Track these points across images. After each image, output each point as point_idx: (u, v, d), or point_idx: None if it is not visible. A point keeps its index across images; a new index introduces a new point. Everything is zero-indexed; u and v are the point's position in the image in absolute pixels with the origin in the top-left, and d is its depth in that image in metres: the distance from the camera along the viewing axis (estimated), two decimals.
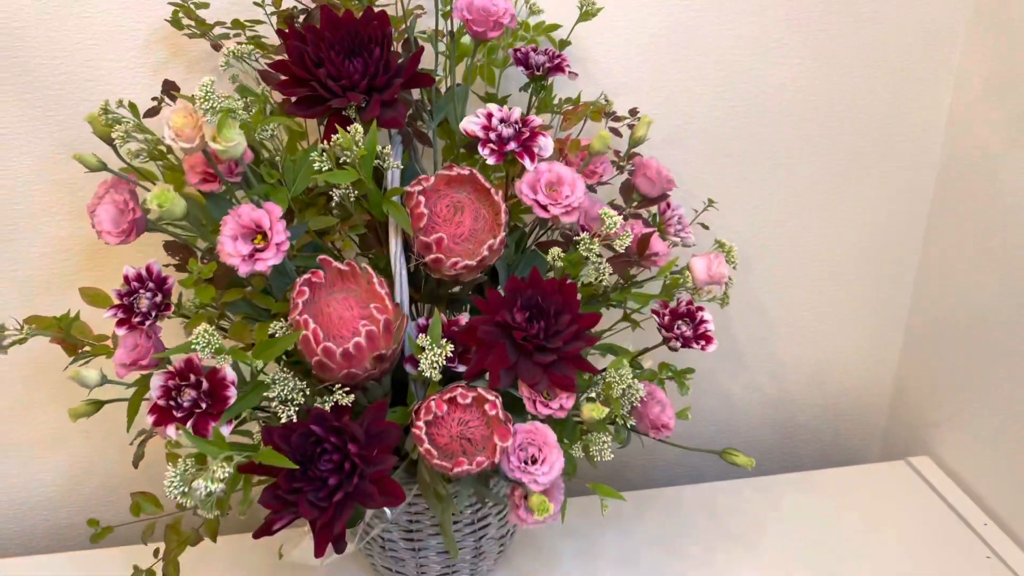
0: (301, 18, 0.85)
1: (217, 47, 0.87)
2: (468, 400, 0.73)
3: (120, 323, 0.75)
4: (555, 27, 0.95)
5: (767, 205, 1.20)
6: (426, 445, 0.71)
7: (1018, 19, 1.06)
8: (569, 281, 0.80)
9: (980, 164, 1.14)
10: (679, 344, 0.85)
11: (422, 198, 0.76)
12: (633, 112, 0.96)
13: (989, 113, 1.12)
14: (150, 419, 0.74)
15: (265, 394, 0.72)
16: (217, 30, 0.88)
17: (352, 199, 0.77)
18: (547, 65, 0.85)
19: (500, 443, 0.72)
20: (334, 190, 0.76)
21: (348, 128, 0.73)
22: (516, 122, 0.79)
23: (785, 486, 1.23)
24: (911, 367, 1.32)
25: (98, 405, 0.89)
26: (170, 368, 0.74)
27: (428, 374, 0.73)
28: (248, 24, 0.88)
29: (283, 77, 0.78)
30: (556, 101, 0.92)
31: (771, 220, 1.21)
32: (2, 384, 1.10)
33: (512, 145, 0.78)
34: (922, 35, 1.14)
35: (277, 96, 0.83)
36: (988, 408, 1.17)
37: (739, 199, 1.18)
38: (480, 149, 0.79)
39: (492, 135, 0.79)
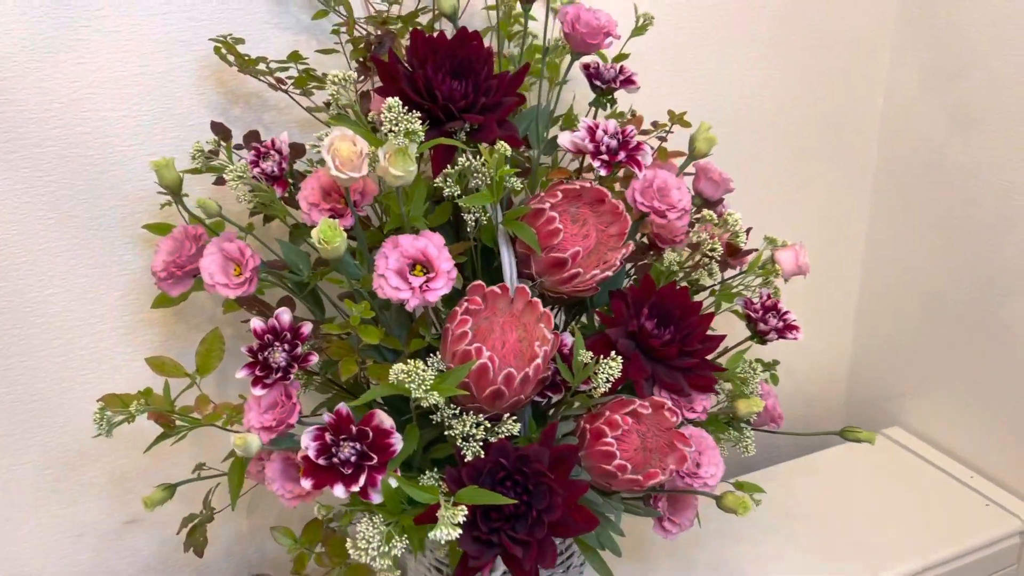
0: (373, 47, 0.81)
1: (281, 81, 0.81)
2: (648, 411, 0.71)
3: (256, 382, 0.68)
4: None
5: (741, 207, 1.26)
6: (618, 460, 0.69)
7: (942, 25, 1.19)
8: (680, 286, 0.81)
9: (923, 155, 1.26)
10: (775, 336, 0.88)
11: (555, 214, 0.75)
12: (658, 124, 0.99)
13: (928, 108, 1.24)
14: (307, 483, 0.67)
15: (447, 432, 0.67)
16: (272, 64, 0.81)
17: (484, 223, 0.74)
18: (620, 78, 0.86)
19: (686, 449, 0.71)
20: (467, 215, 0.73)
21: (493, 147, 0.70)
22: (617, 134, 0.80)
23: (785, 474, 1.29)
24: (865, 348, 1.43)
25: (172, 489, 0.80)
26: (325, 423, 0.68)
27: (603, 390, 0.71)
28: (304, 58, 0.82)
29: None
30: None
31: (746, 221, 1.27)
32: None
33: (621, 155, 0.79)
34: (853, 44, 1.25)
35: None
36: (950, 374, 1.29)
37: None
38: (591, 161, 0.78)
39: (602, 147, 0.78)
